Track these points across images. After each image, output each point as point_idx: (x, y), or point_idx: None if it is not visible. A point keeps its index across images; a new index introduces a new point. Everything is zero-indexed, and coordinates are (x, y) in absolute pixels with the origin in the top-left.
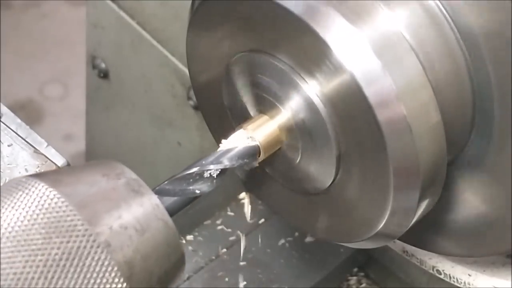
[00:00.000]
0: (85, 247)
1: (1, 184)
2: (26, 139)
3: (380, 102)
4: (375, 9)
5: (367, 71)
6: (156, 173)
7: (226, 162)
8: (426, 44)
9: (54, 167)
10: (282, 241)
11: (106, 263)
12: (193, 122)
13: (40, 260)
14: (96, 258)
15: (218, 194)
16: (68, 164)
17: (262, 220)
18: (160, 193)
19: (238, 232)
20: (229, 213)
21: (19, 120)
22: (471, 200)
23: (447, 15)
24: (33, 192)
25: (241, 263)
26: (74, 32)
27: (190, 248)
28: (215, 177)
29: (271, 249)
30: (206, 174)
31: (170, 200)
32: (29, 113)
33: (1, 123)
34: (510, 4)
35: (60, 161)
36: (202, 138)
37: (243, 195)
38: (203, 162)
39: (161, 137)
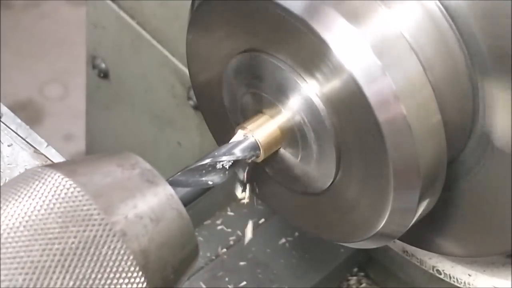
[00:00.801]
0: (101, 236)
1: (1, 184)
2: (26, 139)
3: (380, 102)
4: (375, 9)
5: (367, 71)
6: None
7: (238, 154)
8: (426, 44)
9: None
10: (282, 241)
11: (122, 252)
12: (193, 122)
13: (57, 249)
14: (112, 247)
15: (218, 194)
16: None
17: (262, 220)
18: (173, 184)
19: (238, 232)
20: (229, 213)
21: (19, 120)
22: (471, 200)
23: (446, 15)
24: (49, 181)
25: (241, 263)
26: (74, 32)
27: None
28: (227, 168)
29: (271, 249)
30: (219, 166)
31: (183, 191)
32: (29, 113)
33: (1, 123)
34: (510, 3)
35: (60, 161)
36: (202, 138)
37: (243, 195)
38: (216, 153)
39: (161, 137)
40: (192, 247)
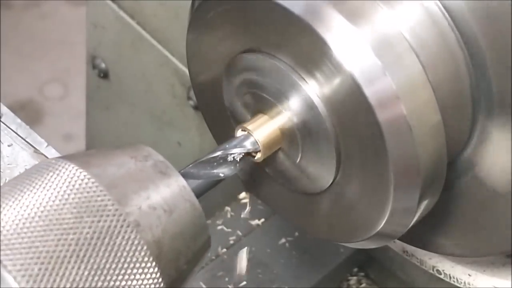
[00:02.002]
0: (115, 226)
1: (1, 184)
2: (26, 139)
3: (380, 102)
4: (375, 9)
5: (367, 71)
6: None
7: (249, 146)
8: (426, 44)
9: None
10: (282, 241)
11: (136, 242)
12: (193, 122)
13: (72, 239)
14: (126, 237)
15: (218, 194)
16: None
17: (262, 220)
18: (185, 176)
19: (238, 232)
20: (229, 213)
21: (19, 120)
22: (471, 200)
23: (446, 15)
24: (63, 173)
25: None
26: (74, 32)
27: None
28: (238, 161)
29: (271, 249)
30: (230, 158)
31: (195, 182)
32: (29, 113)
33: (1, 123)
34: (510, 3)
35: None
36: (202, 138)
37: (243, 195)
38: (227, 146)
39: (161, 137)
40: (204, 238)
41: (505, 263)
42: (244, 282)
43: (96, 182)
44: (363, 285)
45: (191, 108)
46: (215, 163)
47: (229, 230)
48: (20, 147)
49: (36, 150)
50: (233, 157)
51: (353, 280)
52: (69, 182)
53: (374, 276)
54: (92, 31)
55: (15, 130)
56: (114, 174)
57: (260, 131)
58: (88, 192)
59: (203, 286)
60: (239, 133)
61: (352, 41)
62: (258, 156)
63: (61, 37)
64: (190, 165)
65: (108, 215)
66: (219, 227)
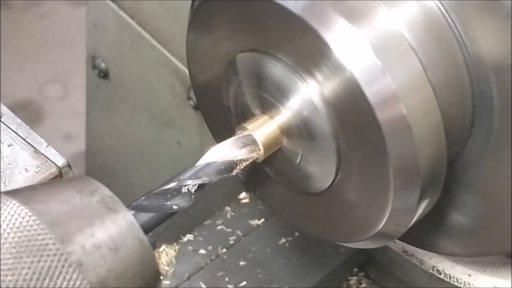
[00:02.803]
0: (56, 266)
1: (1, 183)
2: (26, 139)
3: (380, 102)
4: (375, 9)
5: (367, 71)
6: (156, 173)
7: (204, 177)
8: (426, 44)
9: (54, 167)
10: (282, 241)
11: (78, 283)
12: (193, 122)
13: (10, 281)
14: (67, 278)
15: (218, 194)
16: (68, 164)
17: (262, 220)
18: (136, 209)
19: (238, 232)
20: (229, 213)
21: (19, 120)
22: (471, 200)
23: (446, 15)
24: (4, 210)
25: (241, 263)
26: (74, 32)
27: (190, 248)
28: (193, 192)
29: (271, 249)
30: (184, 190)
31: (146, 216)
32: (29, 113)
33: (1, 123)
34: (510, 4)
35: (60, 161)
36: (202, 138)
37: (243, 195)
38: (181, 177)
39: (161, 137)
40: (152, 275)
41: (505, 263)
42: (244, 282)
43: (37, 219)
44: (363, 285)
45: (191, 108)
46: (169, 195)
47: (229, 230)
48: (20, 147)
49: (36, 150)
50: (188, 189)
51: (353, 280)
52: (9, 220)
53: (374, 276)
54: (92, 31)
55: (15, 130)
56: (57, 211)
57: (260, 131)
58: (28, 231)
59: (203, 286)
60: (239, 133)
61: (352, 41)
62: (258, 156)
63: (61, 37)
64: (143, 197)
65: (48, 255)
66: (219, 227)
